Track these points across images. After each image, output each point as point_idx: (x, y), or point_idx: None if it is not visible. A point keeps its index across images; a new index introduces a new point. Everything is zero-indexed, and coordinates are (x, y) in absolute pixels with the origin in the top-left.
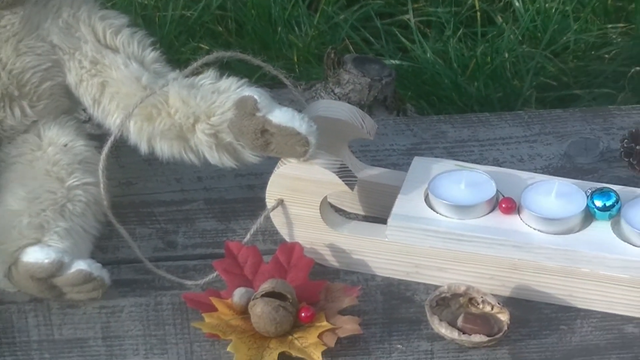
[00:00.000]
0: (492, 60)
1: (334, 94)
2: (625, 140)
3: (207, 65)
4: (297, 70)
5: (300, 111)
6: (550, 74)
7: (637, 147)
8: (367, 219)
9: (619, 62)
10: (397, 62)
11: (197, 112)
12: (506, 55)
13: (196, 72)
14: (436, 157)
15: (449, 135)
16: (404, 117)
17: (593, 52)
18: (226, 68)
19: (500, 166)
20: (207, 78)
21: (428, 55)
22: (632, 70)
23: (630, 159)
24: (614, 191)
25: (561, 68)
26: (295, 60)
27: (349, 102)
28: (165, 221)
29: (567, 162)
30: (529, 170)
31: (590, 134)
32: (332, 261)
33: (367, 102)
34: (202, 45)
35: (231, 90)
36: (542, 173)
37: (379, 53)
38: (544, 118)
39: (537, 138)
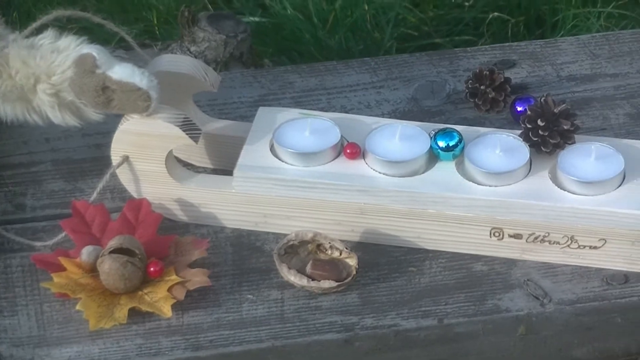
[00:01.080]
0: (352, 13)
1: (190, 52)
2: (470, 81)
3: (54, 26)
4: (157, 32)
5: (141, 67)
6: (411, 25)
7: (482, 88)
8: (215, 172)
9: (478, 9)
10: (257, 19)
11: (37, 72)
12: (366, 7)
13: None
14: (284, 107)
15: (296, 85)
16: (252, 69)
17: (453, 1)
18: (87, 33)
19: (348, 113)
20: (46, 38)
21: (288, 11)
22: (491, 16)
23: (476, 100)
24: (457, 131)
25: (421, 18)
26: (155, 22)
27: (205, 60)
28: (14, 184)
29: (414, 105)
30: (377, 116)
31: (436, 77)
32: (180, 215)
33: (224, 59)
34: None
35: (70, 49)
36: (390, 118)
37: (239, 11)
38: (391, 63)
39: (384, 84)
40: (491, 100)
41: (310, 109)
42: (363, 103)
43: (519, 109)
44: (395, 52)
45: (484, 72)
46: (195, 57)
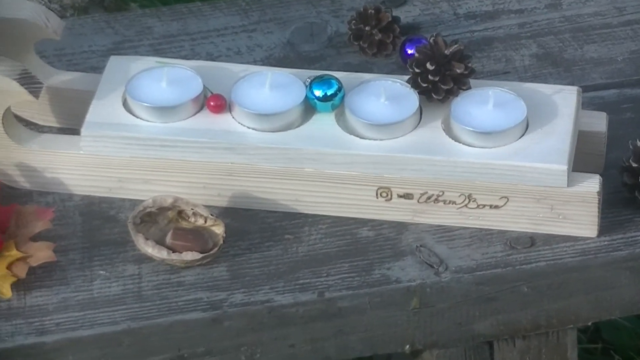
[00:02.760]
0: None
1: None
2: (354, 22)
3: None
4: None
5: None
6: None
7: (367, 29)
8: (62, 131)
9: None
10: None
11: None
12: None
13: None
14: (139, 56)
15: (155, 31)
16: (106, 14)
17: None
18: None
19: (215, 61)
20: None
21: None
22: None
23: (360, 42)
24: (335, 78)
25: None
26: None
27: (61, 6)
28: None
29: (290, 51)
30: (248, 64)
31: (316, 17)
32: (22, 182)
33: (82, 4)
34: None
35: None
36: (262, 66)
37: None
38: (264, 4)
39: (257, 27)
40: (378, 42)
41: (172, 58)
42: (232, 49)
43: (410, 52)
44: None
45: (369, 11)
46: (49, 2)
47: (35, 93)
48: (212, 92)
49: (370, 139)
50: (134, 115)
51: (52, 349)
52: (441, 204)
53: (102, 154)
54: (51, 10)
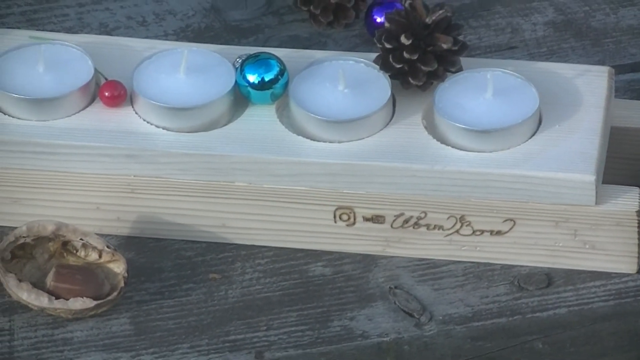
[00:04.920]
0: None
1: None
2: None
3: None
4: None
5: None
6: None
7: None
8: None
9: None
10: None
11: None
12: None
13: None
14: (8, 28)
15: None
16: None
17: None
18: None
19: (111, 34)
20: None
21: None
22: None
23: (311, 7)
24: (276, 58)
25: None
26: None
27: None
28: None
29: (214, 20)
30: (156, 37)
31: None
32: None
33: None
34: None
35: None
36: (176, 40)
37: None
38: None
39: None
40: (334, 7)
41: (50, 31)
42: (134, 18)
43: (378, 20)
44: None
45: None
46: None
47: None
48: (106, 79)
49: (324, 141)
50: (0, 110)
51: None
52: (423, 229)
53: None
54: None
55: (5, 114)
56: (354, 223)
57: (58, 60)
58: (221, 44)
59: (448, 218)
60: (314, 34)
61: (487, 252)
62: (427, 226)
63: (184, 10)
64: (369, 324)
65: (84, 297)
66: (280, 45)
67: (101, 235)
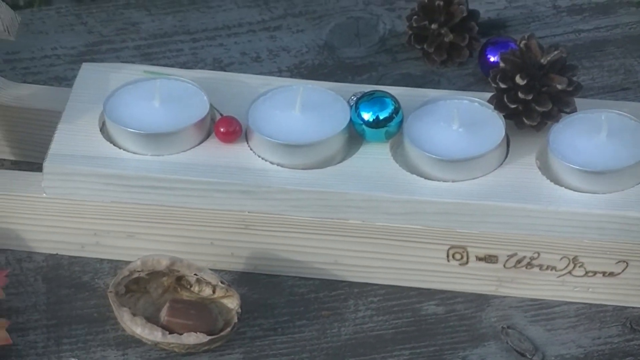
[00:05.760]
0: None
1: None
2: (415, 18)
3: None
4: None
5: None
6: None
7: (433, 27)
8: (18, 166)
9: None
10: None
11: None
12: None
13: None
14: (123, 62)
15: (143, 29)
16: (75, 5)
17: None
18: None
19: (225, 70)
20: None
21: None
22: None
23: (425, 46)
24: (391, 96)
25: None
26: None
27: None
28: None
29: (328, 56)
30: (270, 73)
31: (363, 11)
32: None
33: None
34: None
35: None
36: (290, 77)
37: None
38: None
39: (282, 23)
40: (448, 46)
41: (165, 65)
42: (248, 54)
43: (492, 59)
44: None
45: (437, 3)
46: None
47: None
48: (221, 114)
49: (438, 180)
50: (115, 144)
51: None
52: (536, 269)
53: (72, 197)
54: None
55: (120, 148)
56: (466, 262)
57: (173, 95)
58: (335, 81)
59: (561, 259)
60: (428, 72)
61: (600, 293)
62: (540, 266)
63: (297, 47)
64: None
65: (198, 332)
66: (393, 83)
67: (215, 271)
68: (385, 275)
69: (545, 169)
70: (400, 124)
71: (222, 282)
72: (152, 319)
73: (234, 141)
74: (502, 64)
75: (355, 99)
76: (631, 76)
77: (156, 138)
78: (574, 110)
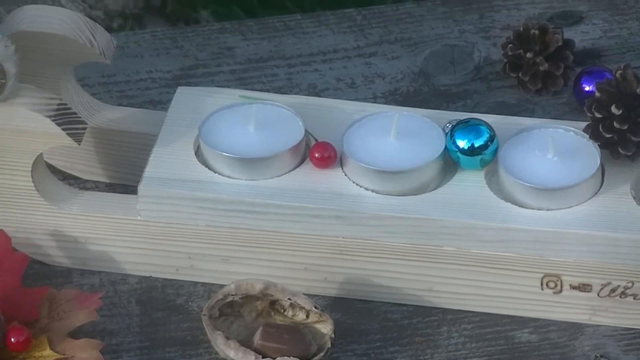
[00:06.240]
0: None
1: (82, 0)
2: (510, 46)
3: None
4: None
5: None
6: None
7: (529, 55)
8: (112, 188)
9: None
10: None
11: None
12: None
13: None
14: (218, 87)
15: (238, 53)
16: (170, 28)
17: None
18: None
19: (320, 95)
20: None
21: None
22: None
23: (520, 74)
24: (485, 124)
25: None
26: None
27: (105, 12)
28: None
29: (423, 83)
30: (364, 99)
31: (459, 39)
32: (58, 257)
33: (135, 11)
34: None
35: None
36: (385, 103)
37: None
38: (388, 18)
39: (377, 50)
40: (543, 75)
41: (260, 90)
42: (343, 80)
43: (587, 89)
44: None
45: (532, 32)
46: (89, 8)
47: (76, 136)
48: (316, 140)
49: (533, 208)
50: (210, 168)
51: None
52: (630, 299)
53: (167, 221)
54: (93, 19)
55: (215, 172)
56: (560, 290)
57: (269, 120)
58: (429, 108)
59: None
60: (522, 101)
61: None
62: (634, 296)
63: (392, 74)
64: None
65: (291, 357)
66: (488, 111)
67: (309, 296)
68: (478, 303)
69: None
70: (495, 152)
71: (315, 307)
72: (245, 343)
73: (329, 167)
74: (597, 94)
75: (450, 126)
76: None
77: (251, 163)
78: None
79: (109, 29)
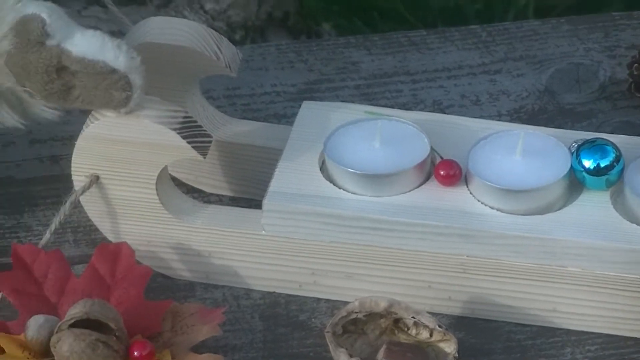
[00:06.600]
0: None
1: (204, 11)
2: (636, 65)
3: None
4: None
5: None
6: None
7: None
8: (236, 202)
9: None
10: None
11: None
12: None
13: None
14: (342, 102)
15: (363, 68)
16: (295, 42)
17: None
18: None
19: (444, 112)
20: None
21: None
22: None
23: None
24: (612, 144)
25: None
26: None
27: (227, 23)
28: None
29: (548, 102)
30: (489, 116)
31: (584, 57)
32: (181, 270)
33: (257, 23)
34: None
35: (6, 7)
36: (510, 121)
37: None
38: (513, 35)
39: (502, 67)
40: None
41: (384, 105)
42: (468, 97)
43: None
44: (533, 14)
45: None
46: (212, 19)
47: (201, 149)
48: (441, 157)
49: None
50: (335, 184)
51: None
52: None
53: (292, 236)
54: (215, 30)
55: (340, 188)
56: None
57: (394, 136)
58: (554, 126)
59: None
60: None
61: None
62: None
63: (517, 91)
64: None
65: None
66: (613, 131)
67: (432, 314)
68: (602, 324)
69: None
70: (621, 172)
71: (439, 326)
72: None
73: (454, 185)
74: None
75: (576, 145)
76: None
77: (376, 179)
78: None
79: (231, 41)
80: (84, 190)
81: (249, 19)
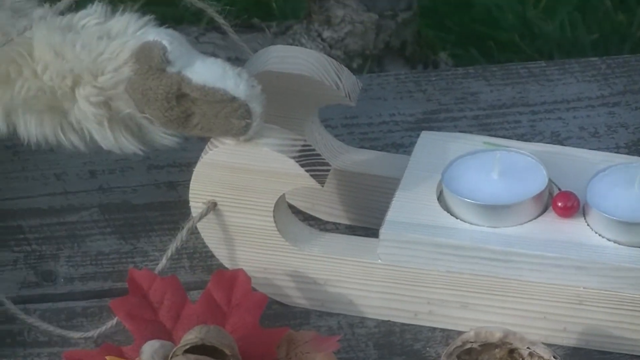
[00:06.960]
0: None
1: (322, 39)
2: None
3: None
4: (274, 6)
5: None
6: None
7: None
8: (353, 230)
9: None
10: None
11: (77, 68)
12: None
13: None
14: (460, 132)
15: (482, 98)
16: (414, 71)
17: None
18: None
19: (562, 144)
20: (92, 16)
21: None
22: None
23: None
24: None
25: None
26: None
27: (345, 52)
28: (39, 240)
29: None
30: (607, 149)
31: None
32: (297, 298)
33: (375, 52)
34: None
35: (128, 34)
36: (628, 154)
37: None
38: (632, 67)
39: (621, 99)
40: None
41: (502, 136)
42: (587, 129)
43: None
44: None
45: None
46: (329, 47)
47: (319, 177)
48: (559, 189)
49: None
50: (452, 214)
51: None
52: None
53: (408, 265)
54: (333, 58)
55: (457, 218)
56: None
57: (512, 167)
58: None
59: None
60: None
61: None
62: None
63: (636, 124)
64: None
65: None
66: None
67: (547, 345)
68: None
69: None
70: None
71: (554, 357)
72: None
73: (572, 216)
74: None
75: None
76: None
77: (494, 210)
78: None
79: (348, 69)
80: (201, 216)
81: (367, 47)
